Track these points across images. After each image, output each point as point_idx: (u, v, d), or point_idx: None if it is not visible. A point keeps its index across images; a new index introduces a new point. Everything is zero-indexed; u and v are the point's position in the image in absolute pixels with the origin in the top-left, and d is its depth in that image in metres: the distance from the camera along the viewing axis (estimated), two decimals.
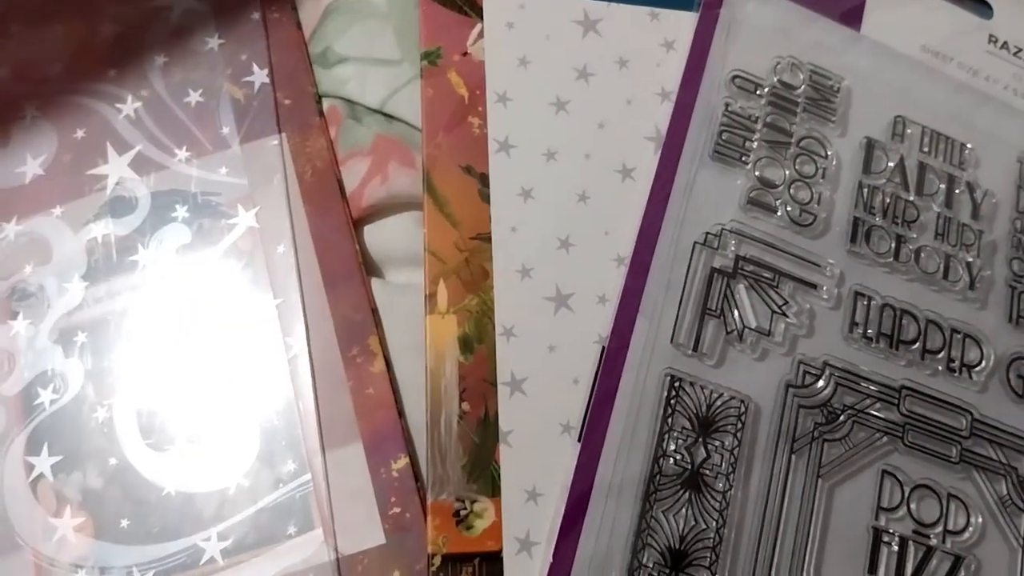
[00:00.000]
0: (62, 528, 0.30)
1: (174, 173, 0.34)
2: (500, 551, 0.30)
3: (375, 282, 0.33)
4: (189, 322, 0.32)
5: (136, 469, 0.31)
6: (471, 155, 0.33)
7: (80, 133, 0.34)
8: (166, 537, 0.30)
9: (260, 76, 0.34)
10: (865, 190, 0.35)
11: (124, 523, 0.30)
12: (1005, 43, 0.39)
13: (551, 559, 0.29)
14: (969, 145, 0.37)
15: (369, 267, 0.33)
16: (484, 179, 0.33)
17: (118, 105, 0.34)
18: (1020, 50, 0.39)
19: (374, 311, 0.32)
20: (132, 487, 0.30)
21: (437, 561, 0.29)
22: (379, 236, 0.33)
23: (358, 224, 0.33)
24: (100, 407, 0.31)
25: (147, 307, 0.32)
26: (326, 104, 0.34)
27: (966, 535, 0.32)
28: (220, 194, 0.33)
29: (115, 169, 0.34)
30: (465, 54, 0.35)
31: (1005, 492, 0.33)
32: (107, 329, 0.32)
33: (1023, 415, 0.34)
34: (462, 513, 0.30)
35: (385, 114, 0.34)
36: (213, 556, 0.29)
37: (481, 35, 0.35)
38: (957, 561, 0.32)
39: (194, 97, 0.34)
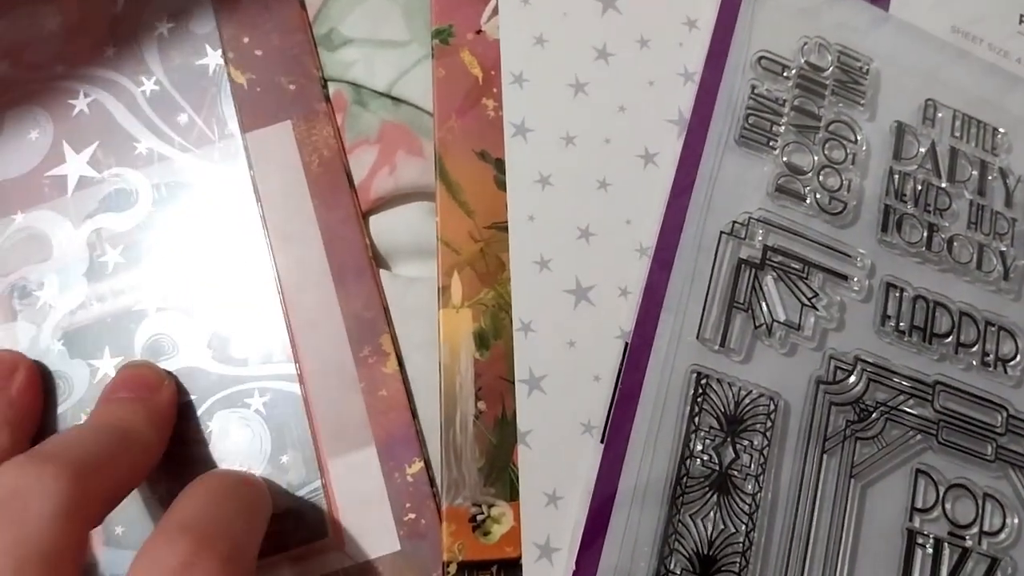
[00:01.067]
0: None
1: (175, 163, 0.32)
2: (519, 558, 0.28)
3: (381, 275, 0.31)
4: (195, 319, 0.30)
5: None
6: (486, 139, 0.31)
7: (75, 123, 0.32)
8: None
9: (215, 57, 0.32)
10: (896, 176, 0.34)
11: (129, 528, 0.28)
12: None
13: (574, 566, 0.28)
14: (1002, 130, 0.35)
15: (376, 260, 0.31)
16: (500, 165, 0.31)
17: (115, 92, 0.32)
18: None
19: (385, 309, 0.30)
20: (141, 492, 0.29)
21: (453, 569, 0.28)
22: (385, 227, 0.31)
23: (365, 216, 0.31)
24: None
25: (152, 304, 0.30)
26: (331, 89, 0.32)
27: (1002, 536, 0.31)
28: (223, 186, 0.31)
29: (114, 162, 0.32)
30: (479, 32, 0.33)
31: None
32: (110, 328, 0.30)
33: None
34: (479, 518, 0.28)
35: (392, 97, 0.32)
36: None
37: (495, 12, 0.33)
38: (993, 563, 0.30)
39: (195, 84, 0.32)
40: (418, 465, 0.29)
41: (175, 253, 0.31)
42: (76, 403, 0.30)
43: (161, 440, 0.27)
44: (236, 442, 0.29)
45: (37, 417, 0.29)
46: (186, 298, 0.30)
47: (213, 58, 0.32)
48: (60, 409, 0.30)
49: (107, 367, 0.30)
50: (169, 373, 0.29)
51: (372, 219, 0.32)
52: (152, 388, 0.28)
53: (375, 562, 0.28)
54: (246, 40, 0.32)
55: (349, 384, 0.29)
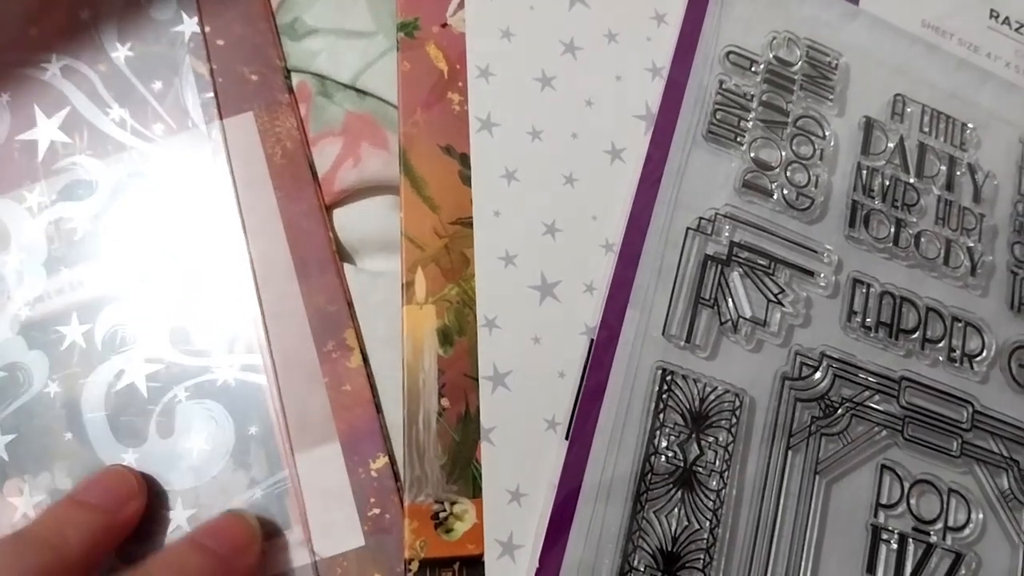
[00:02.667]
0: None
1: (135, 153, 0.31)
2: (481, 555, 0.28)
3: (346, 269, 0.31)
4: (156, 311, 0.30)
5: (106, 464, 0.29)
6: (451, 134, 0.31)
7: (33, 110, 0.32)
8: (138, 537, 0.28)
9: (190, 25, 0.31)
10: (864, 172, 0.34)
11: None
12: (1007, 18, 0.38)
13: (537, 563, 0.28)
14: (970, 125, 0.36)
15: (340, 253, 0.31)
16: (465, 160, 0.31)
17: (77, 81, 0.32)
18: (1021, 26, 0.38)
19: (349, 303, 0.30)
20: None
21: (415, 567, 0.28)
22: (350, 220, 0.31)
23: (329, 209, 0.31)
24: (66, 401, 0.29)
25: (112, 295, 0.30)
26: (295, 79, 0.32)
27: (967, 531, 0.31)
28: (185, 177, 0.31)
29: (74, 151, 0.31)
30: (444, 25, 0.32)
31: (1007, 486, 0.32)
32: (70, 318, 0.30)
33: None
34: (441, 515, 0.28)
35: (357, 89, 0.32)
36: None
37: (462, 5, 0.32)
38: (958, 559, 0.31)
39: (157, 74, 0.32)
40: (382, 460, 0.29)
41: (135, 244, 0.31)
42: (35, 396, 0.29)
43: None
44: (199, 435, 0.29)
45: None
46: (147, 289, 0.30)
47: (175, 48, 0.32)
48: (20, 402, 0.29)
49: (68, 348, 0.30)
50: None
51: (336, 212, 0.31)
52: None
53: (339, 557, 0.28)
54: (208, 30, 0.32)
55: (312, 379, 0.29)
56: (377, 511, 0.28)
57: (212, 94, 0.31)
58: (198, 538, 0.27)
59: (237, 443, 0.29)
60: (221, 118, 0.31)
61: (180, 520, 0.28)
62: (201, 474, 0.29)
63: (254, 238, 0.30)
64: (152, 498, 0.28)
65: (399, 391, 0.29)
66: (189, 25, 0.32)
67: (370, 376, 0.30)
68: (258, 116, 0.31)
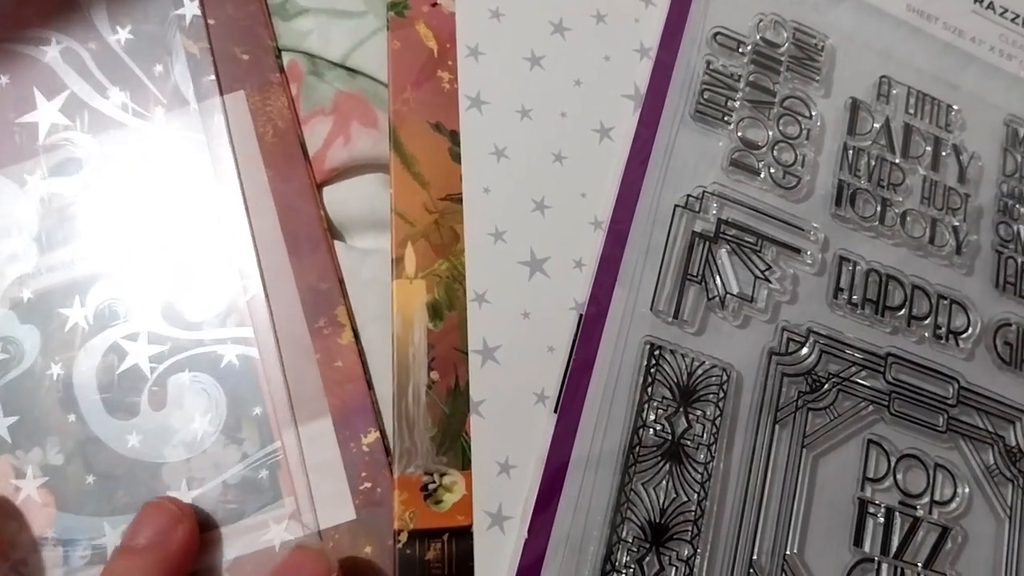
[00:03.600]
0: (25, 501, 0.29)
1: (126, 130, 0.32)
2: (470, 526, 0.29)
3: (336, 246, 0.31)
4: (148, 285, 0.31)
5: (99, 438, 0.29)
6: (441, 112, 0.32)
7: (29, 88, 0.32)
8: (132, 509, 0.28)
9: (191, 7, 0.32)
10: (850, 152, 0.35)
11: (87, 494, 0.29)
12: (991, 3, 0.38)
13: (526, 534, 0.28)
14: (955, 107, 0.36)
15: (330, 231, 0.32)
16: (455, 137, 0.32)
17: (69, 58, 0.32)
18: (1006, 10, 0.38)
19: (340, 281, 0.31)
20: (95, 458, 0.29)
21: (404, 537, 0.28)
22: (339, 198, 0.32)
23: (319, 187, 0.32)
24: (58, 376, 0.30)
25: (104, 270, 0.31)
26: (286, 59, 0.33)
27: (953, 505, 0.32)
28: (176, 155, 0.31)
29: (65, 128, 0.32)
30: (435, 4, 0.33)
31: (992, 461, 0.33)
32: (62, 293, 0.30)
33: (1009, 382, 0.34)
34: (430, 487, 0.29)
35: (347, 68, 0.32)
36: None
37: None
38: (944, 532, 0.31)
39: (149, 52, 0.32)
40: (374, 435, 0.29)
41: (127, 220, 0.31)
42: (27, 370, 0.30)
43: None
44: (193, 408, 0.29)
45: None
46: (139, 264, 0.31)
47: (165, 27, 0.32)
48: (12, 375, 0.30)
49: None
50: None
51: (326, 190, 0.32)
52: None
53: (331, 530, 0.28)
54: (199, 10, 0.32)
55: (305, 355, 0.30)
56: (368, 485, 0.29)
57: (208, 73, 0.32)
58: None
59: (229, 416, 0.29)
60: (222, 94, 0.32)
61: (172, 490, 0.29)
62: (193, 447, 0.29)
63: (245, 216, 0.31)
64: (145, 472, 0.29)
65: (389, 367, 0.30)
66: (185, 7, 0.33)
67: (361, 352, 0.30)
68: (249, 95, 0.32)
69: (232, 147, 0.31)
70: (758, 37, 0.35)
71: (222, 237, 0.31)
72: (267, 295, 0.30)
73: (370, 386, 0.30)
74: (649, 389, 0.30)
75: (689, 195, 0.33)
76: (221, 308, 0.30)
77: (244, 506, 0.29)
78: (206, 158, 0.31)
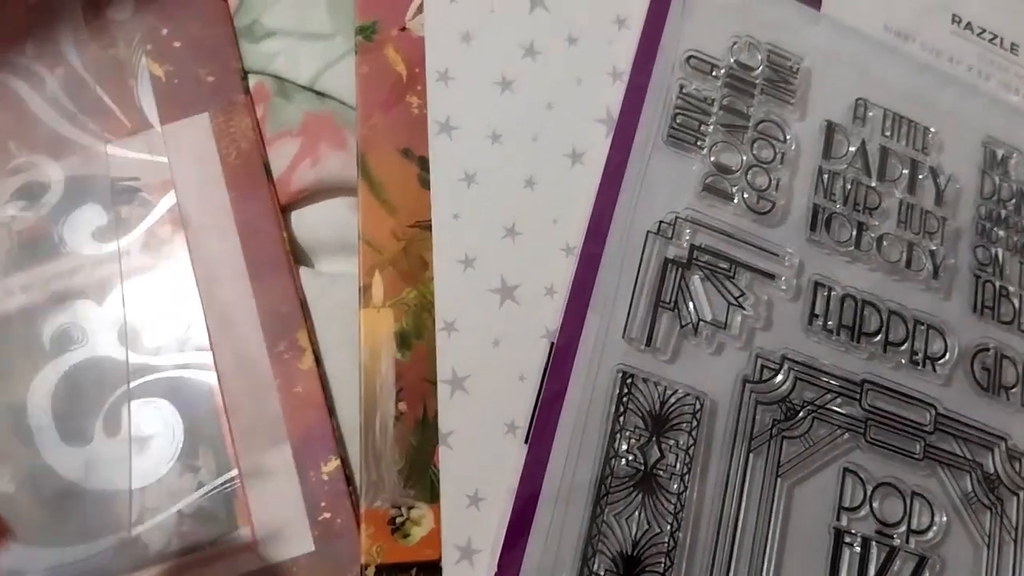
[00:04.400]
0: None
1: (91, 155, 0.32)
2: (439, 560, 0.28)
3: (304, 271, 0.31)
4: (106, 310, 0.30)
5: (51, 466, 0.29)
6: (410, 137, 0.32)
7: None
8: (84, 538, 0.28)
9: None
10: (825, 176, 0.35)
11: (37, 523, 0.29)
12: (969, 23, 0.39)
13: (496, 568, 0.28)
14: (933, 128, 0.36)
15: (297, 255, 0.31)
16: (424, 163, 0.32)
17: (33, 83, 0.32)
18: (984, 31, 0.39)
19: (303, 303, 0.30)
20: (46, 486, 0.29)
21: (371, 572, 0.28)
22: (308, 222, 0.32)
23: (285, 210, 0.32)
24: (12, 402, 0.29)
25: (63, 293, 0.30)
26: (253, 81, 0.33)
27: (930, 534, 0.32)
28: (139, 178, 0.31)
29: (28, 151, 0.32)
30: (403, 29, 0.33)
31: (970, 489, 0.33)
32: (20, 318, 0.30)
33: (988, 409, 0.34)
34: (398, 520, 0.28)
35: (316, 91, 0.32)
36: (131, 561, 0.28)
37: (421, 8, 0.33)
38: (921, 561, 0.31)
39: (113, 75, 0.32)
40: (334, 463, 0.29)
41: (88, 244, 0.31)
42: None
43: None
44: (149, 434, 0.29)
45: None
46: (97, 289, 0.30)
47: (131, 50, 0.32)
48: None
49: None
50: None
51: (294, 214, 0.32)
52: None
53: (288, 563, 0.28)
54: (164, 32, 0.32)
55: (263, 380, 0.29)
56: (328, 515, 0.29)
57: (172, 95, 0.32)
58: None
59: (186, 443, 0.29)
60: (176, 119, 0.32)
61: (125, 521, 0.28)
62: (148, 476, 0.29)
63: (207, 238, 0.31)
64: (98, 500, 0.29)
65: (354, 394, 0.30)
66: (144, 25, 0.33)
67: (323, 378, 0.30)
68: (213, 117, 0.32)
69: (170, 173, 0.31)
70: (732, 60, 0.35)
71: (183, 259, 0.31)
72: (227, 318, 0.30)
73: (332, 413, 0.30)
74: (621, 418, 0.30)
75: (662, 221, 0.32)
76: (180, 333, 0.30)
77: (199, 536, 0.28)
78: (169, 180, 0.31)
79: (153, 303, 0.30)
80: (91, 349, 0.30)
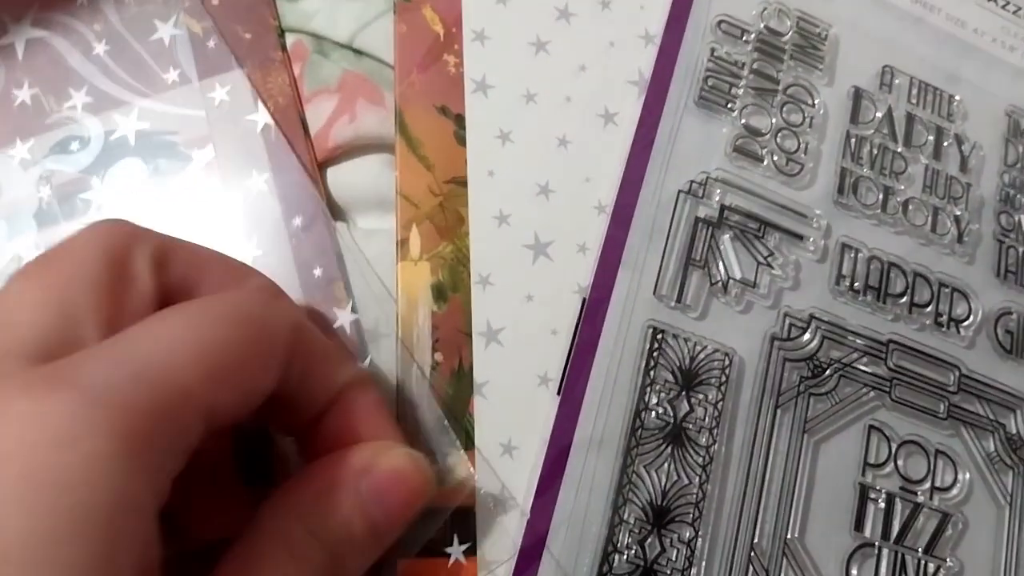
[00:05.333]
0: None
1: (130, 110, 0.32)
2: (473, 506, 0.29)
3: (340, 227, 0.32)
4: None
5: None
6: (446, 95, 0.33)
7: (35, 69, 0.33)
8: None
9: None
10: (853, 140, 0.35)
11: None
12: None
13: (528, 514, 0.29)
14: (957, 97, 0.37)
15: (333, 211, 0.32)
16: (460, 120, 0.32)
17: (73, 40, 0.33)
18: (1008, 2, 0.39)
19: (339, 257, 0.31)
20: None
21: None
22: (344, 179, 0.33)
23: (322, 166, 0.33)
24: None
25: None
26: (291, 39, 0.33)
27: (953, 492, 0.33)
28: (177, 132, 0.32)
29: (69, 107, 0.32)
30: None
31: (993, 449, 0.33)
32: None
33: (1010, 371, 0.34)
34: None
35: (354, 49, 0.33)
36: None
37: None
38: (944, 518, 0.32)
39: (152, 31, 0.33)
40: None
41: (127, 198, 0.32)
42: None
43: None
44: None
45: None
46: None
47: (169, 7, 0.33)
48: None
49: None
50: None
51: (331, 171, 0.33)
52: None
53: None
54: None
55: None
56: None
57: (205, 52, 0.32)
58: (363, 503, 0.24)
59: None
60: (214, 75, 0.32)
61: None
62: None
63: (244, 192, 0.31)
64: None
65: (387, 349, 0.31)
66: None
67: (359, 330, 0.31)
68: (250, 73, 0.32)
69: (270, 111, 0.32)
70: (762, 25, 0.36)
71: (223, 211, 0.32)
72: (265, 271, 0.31)
73: (370, 364, 0.31)
74: (651, 372, 0.31)
75: (693, 181, 0.33)
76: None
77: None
78: (207, 134, 0.32)
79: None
80: None
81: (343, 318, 0.30)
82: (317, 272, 0.31)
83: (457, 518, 0.29)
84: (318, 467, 0.24)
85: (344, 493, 0.23)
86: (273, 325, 0.22)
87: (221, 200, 0.32)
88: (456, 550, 0.29)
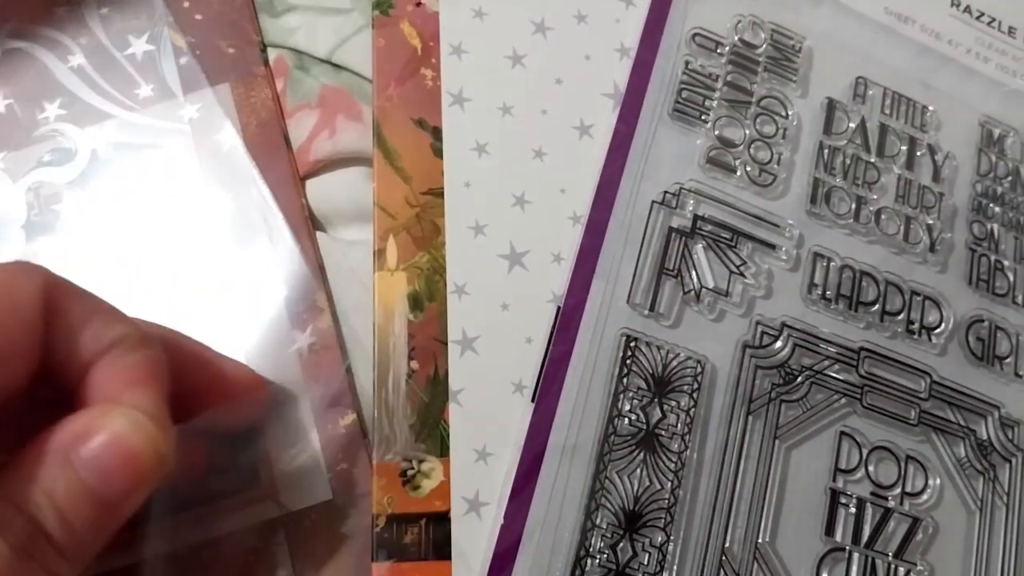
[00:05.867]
0: None
1: (115, 123, 0.33)
2: (447, 511, 0.30)
3: (321, 237, 0.33)
4: (131, 273, 0.32)
5: None
6: (424, 108, 0.34)
7: (19, 81, 0.34)
8: None
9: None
10: (826, 151, 0.36)
11: None
12: (968, 7, 0.40)
13: (502, 520, 0.30)
14: (931, 107, 0.38)
15: (314, 223, 0.33)
16: (437, 133, 0.33)
17: (59, 52, 0.34)
18: (982, 14, 0.40)
19: (320, 267, 0.32)
20: None
21: (382, 521, 0.29)
22: (323, 191, 0.34)
23: (303, 179, 0.33)
24: None
25: (91, 259, 0.32)
26: (272, 54, 0.34)
27: (924, 497, 0.33)
28: (163, 146, 0.33)
29: (55, 119, 0.33)
30: (419, 4, 0.35)
31: (963, 454, 0.34)
32: None
33: (982, 378, 0.35)
34: (409, 473, 0.30)
35: (333, 64, 0.34)
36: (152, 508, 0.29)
37: None
38: (915, 523, 0.33)
39: (136, 45, 0.34)
40: (351, 417, 0.31)
41: (114, 210, 0.33)
42: None
43: None
44: None
45: None
46: (123, 252, 0.32)
47: (154, 21, 0.34)
48: None
49: None
50: None
51: (310, 183, 0.34)
52: None
53: (307, 511, 0.29)
54: (186, 4, 0.34)
55: (283, 339, 0.31)
56: (345, 466, 0.30)
57: (194, 66, 0.33)
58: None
59: None
60: (197, 89, 0.33)
61: None
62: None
63: (228, 204, 0.32)
64: None
65: (368, 355, 0.31)
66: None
67: (340, 337, 0.32)
68: (234, 87, 0.33)
69: (240, 131, 0.33)
70: (736, 38, 0.37)
71: (206, 224, 0.32)
72: (249, 283, 0.32)
73: (349, 371, 0.32)
74: (625, 380, 0.32)
75: (666, 191, 0.34)
76: (204, 293, 0.32)
77: (220, 487, 0.30)
78: (191, 147, 0.33)
79: (177, 265, 0.32)
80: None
81: (322, 326, 0.31)
82: (284, 290, 0.32)
83: (432, 523, 0.30)
84: (41, 435, 0.23)
85: (49, 460, 0.22)
86: (16, 293, 0.23)
87: (206, 212, 0.32)
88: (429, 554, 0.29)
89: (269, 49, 0.35)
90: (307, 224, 0.32)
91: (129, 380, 0.24)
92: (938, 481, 0.33)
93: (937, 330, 0.35)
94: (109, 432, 0.23)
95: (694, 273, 0.33)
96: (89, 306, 0.24)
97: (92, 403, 0.24)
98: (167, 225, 0.33)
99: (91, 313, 0.24)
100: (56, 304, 0.23)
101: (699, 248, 0.34)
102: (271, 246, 0.32)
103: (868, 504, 0.33)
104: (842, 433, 0.33)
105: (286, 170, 0.33)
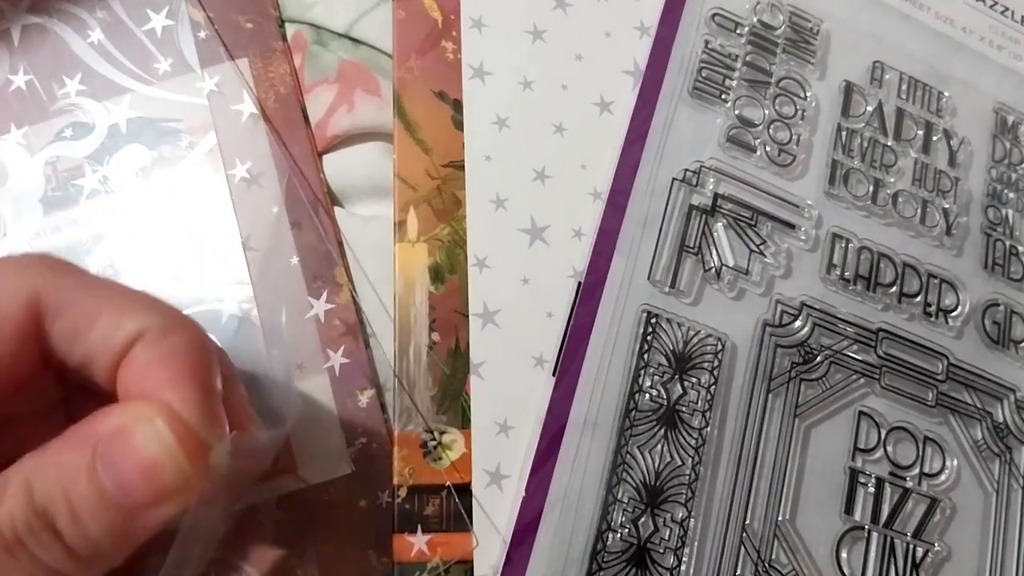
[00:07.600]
0: None
1: (133, 97, 0.34)
2: (468, 483, 0.30)
3: (339, 212, 0.33)
4: (150, 247, 0.32)
5: None
6: (444, 80, 0.34)
7: (38, 55, 0.34)
8: None
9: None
10: (844, 133, 0.37)
11: None
12: None
13: (524, 492, 0.30)
14: (946, 93, 0.39)
15: (331, 197, 0.33)
16: (457, 105, 0.34)
17: (77, 27, 0.34)
18: (996, 2, 0.41)
19: (339, 243, 0.32)
20: None
21: (403, 492, 0.30)
22: (340, 167, 0.34)
23: (320, 155, 0.34)
24: None
25: (108, 232, 0.32)
26: (291, 30, 0.34)
27: (942, 478, 0.34)
28: (181, 119, 0.33)
29: (75, 94, 0.34)
30: None
31: (980, 437, 0.35)
32: (65, 252, 0.32)
33: (998, 361, 0.36)
34: (430, 444, 0.30)
35: (351, 38, 0.34)
36: None
37: None
38: (933, 504, 0.33)
39: (154, 19, 0.34)
40: (370, 392, 0.31)
41: (131, 184, 0.33)
42: None
43: None
44: None
45: None
46: (142, 227, 0.32)
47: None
48: None
49: None
50: None
51: (328, 158, 0.34)
52: None
53: (327, 485, 0.30)
54: None
55: (303, 314, 0.31)
56: (364, 440, 0.30)
57: (212, 40, 0.34)
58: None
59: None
60: (216, 64, 0.34)
61: None
62: None
63: (247, 179, 0.33)
64: None
65: (388, 331, 0.32)
66: None
67: (359, 313, 0.32)
68: (252, 62, 0.34)
69: (258, 103, 0.33)
70: (755, 19, 0.37)
71: (223, 197, 0.33)
72: (268, 257, 0.32)
73: (367, 346, 0.32)
74: (645, 356, 0.32)
75: (687, 169, 0.35)
76: (221, 267, 0.32)
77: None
78: (210, 121, 0.33)
79: (195, 238, 0.32)
80: (133, 283, 0.31)
81: (341, 301, 0.32)
82: (293, 260, 0.32)
83: (453, 494, 0.30)
84: (78, 424, 0.22)
85: (73, 454, 0.21)
86: None
87: (224, 186, 0.33)
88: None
89: (287, 24, 0.35)
90: (326, 199, 0.33)
91: (160, 376, 0.22)
92: (955, 462, 0.34)
93: (954, 313, 0.36)
94: (128, 442, 0.21)
95: (714, 251, 0.34)
96: (100, 298, 0.23)
97: (128, 399, 0.23)
98: (184, 198, 0.33)
99: (103, 306, 0.23)
100: (56, 304, 0.22)
101: (719, 226, 0.34)
102: (289, 220, 0.32)
103: (887, 484, 0.33)
104: (861, 413, 0.34)
105: (304, 146, 0.33)
